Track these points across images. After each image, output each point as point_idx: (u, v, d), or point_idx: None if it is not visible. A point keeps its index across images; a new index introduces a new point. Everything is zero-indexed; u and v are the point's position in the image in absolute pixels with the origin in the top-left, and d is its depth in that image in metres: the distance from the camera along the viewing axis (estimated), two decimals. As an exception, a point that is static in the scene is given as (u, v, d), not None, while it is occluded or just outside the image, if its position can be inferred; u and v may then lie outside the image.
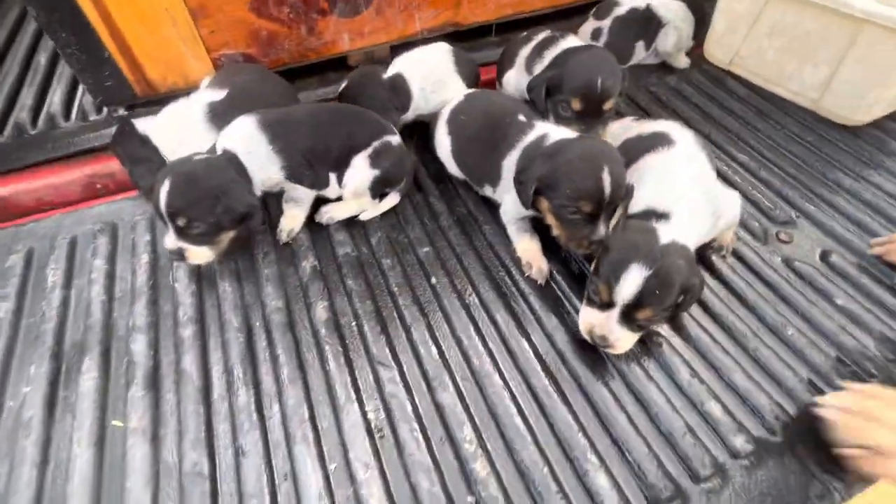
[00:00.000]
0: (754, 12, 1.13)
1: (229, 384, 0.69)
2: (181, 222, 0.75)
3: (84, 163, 1.04)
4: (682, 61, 1.29)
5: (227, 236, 0.81)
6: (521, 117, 0.85)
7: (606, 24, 1.23)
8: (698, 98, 1.21)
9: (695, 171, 0.80)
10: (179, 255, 0.77)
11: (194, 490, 0.59)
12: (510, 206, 0.86)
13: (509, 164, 0.84)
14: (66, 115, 1.11)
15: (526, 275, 0.83)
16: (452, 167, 0.96)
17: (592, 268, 0.73)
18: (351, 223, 0.91)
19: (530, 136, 0.83)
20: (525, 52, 1.06)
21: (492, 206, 0.94)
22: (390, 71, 1.04)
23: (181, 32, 0.98)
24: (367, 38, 1.18)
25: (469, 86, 1.06)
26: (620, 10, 1.22)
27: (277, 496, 0.59)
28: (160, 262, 0.85)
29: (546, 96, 0.91)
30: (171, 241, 0.77)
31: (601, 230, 0.73)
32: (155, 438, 0.64)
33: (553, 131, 0.82)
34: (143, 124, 0.90)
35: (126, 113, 0.96)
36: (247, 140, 0.84)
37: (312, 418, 0.66)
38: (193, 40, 1.01)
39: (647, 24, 1.24)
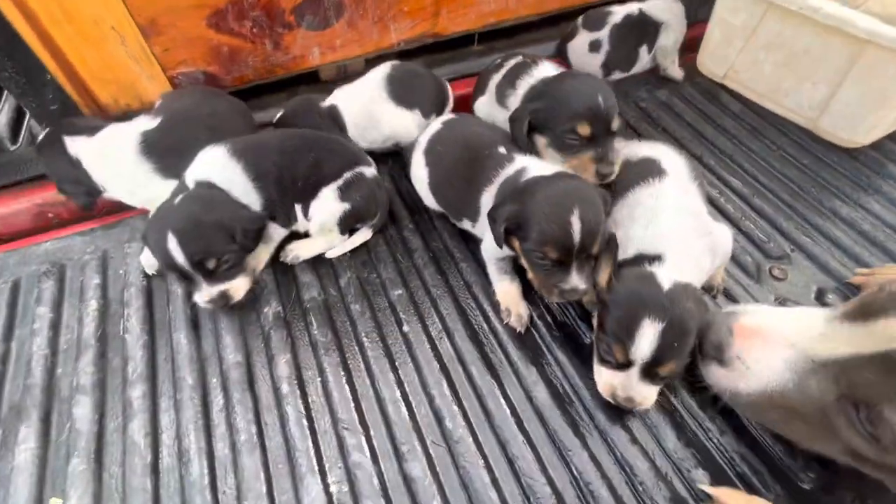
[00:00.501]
0: (751, 24, 1.07)
1: (180, 454, 0.64)
2: (211, 265, 0.71)
3: (34, 190, 0.97)
4: (677, 73, 1.23)
5: (250, 257, 0.79)
6: (501, 149, 0.79)
7: (605, 34, 1.16)
8: (690, 114, 1.15)
9: (686, 206, 0.75)
10: (223, 298, 0.74)
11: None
12: (490, 244, 0.81)
13: (487, 199, 0.78)
14: (14, 139, 1.03)
15: (504, 322, 0.77)
16: (430, 201, 0.90)
17: (596, 325, 0.68)
18: (319, 262, 0.85)
19: (508, 171, 0.77)
20: (496, 79, 0.98)
21: (470, 241, 0.88)
22: (329, 101, 0.98)
23: (131, 51, 0.90)
24: (339, 51, 1.11)
25: (427, 111, 0.99)
26: (616, 19, 1.16)
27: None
28: (110, 308, 0.79)
29: (530, 130, 0.84)
30: (206, 291, 0.73)
31: (573, 279, 0.67)
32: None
33: (533, 165, 0.76)
34: (76, 145, 0.84)
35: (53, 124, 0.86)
36: (220, 170, 0.79)
37: (270, 493, 0.61)
38: (146, 59, 0.93)
39: (644, 28, 1.18)
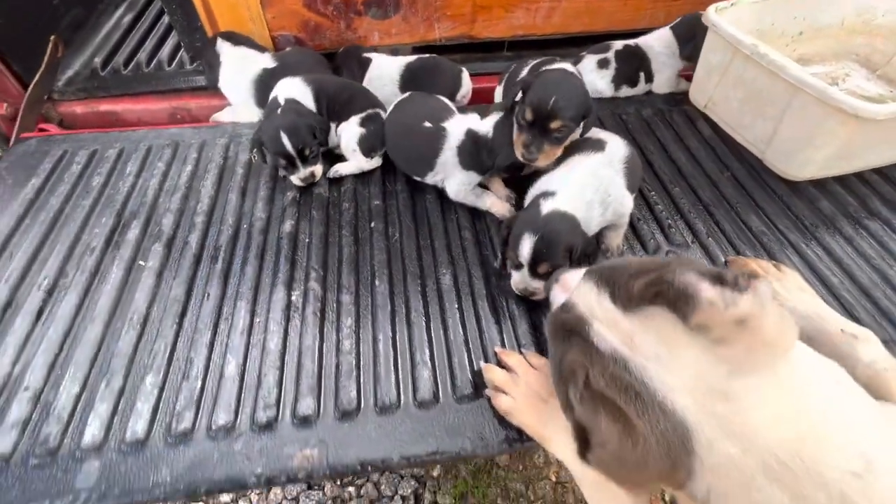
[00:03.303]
0: (724, 64, 1.26)
1: (213, 258, 1.02)
2: (307, 152, 1.10)
3: (172, 98, 1.44)
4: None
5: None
6: (428, 124, 1.10)
7: (611, 55, 1.42)
8: (662, 131, 1.35)
9: (600, 172, 0.97)
10: (312, 176, 1.14)
11: (171, 311, 0.92)
12: (455, 185, 1.11)
13: (443, 160, 1.09)
14: (170, 63, 1.52)
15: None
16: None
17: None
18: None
19: (454, 136, 1.08)
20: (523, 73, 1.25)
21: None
22: (369, 55, 1.37)
23: (252, 15, 1.34)
24: (393, 38, 1.47)
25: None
26: (618, 46, 1.42)
27: (220, 324, 0.90)
28: (198, 172, 1.21)
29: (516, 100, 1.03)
30: (302, 171, 1.12)
31: None
32: (159, 277, 0.98)
33: (472, 123, 1.07)
34: (223, 47, 1.30)
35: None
36: (298, 91, 1.19)
37: (256, 288, 0.96)
38: (260, 22, 1.36)
39: (641, 57, 1.42)
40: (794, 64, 1.06)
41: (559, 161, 1.01)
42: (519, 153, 0.99)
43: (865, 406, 0.44)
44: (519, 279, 0.91)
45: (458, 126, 1.09)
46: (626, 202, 0.98)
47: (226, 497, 1.82)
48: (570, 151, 1.02)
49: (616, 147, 1.02)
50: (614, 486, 0.65)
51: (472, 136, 1.07)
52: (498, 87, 1.38)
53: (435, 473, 1.90)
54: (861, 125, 0.99)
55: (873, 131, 1.03)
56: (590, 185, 0.94)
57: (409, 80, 1.32)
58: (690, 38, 1.35)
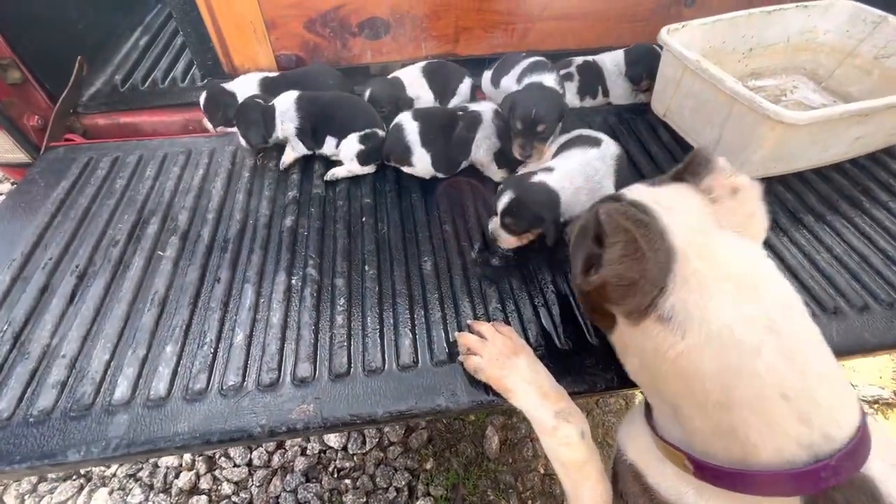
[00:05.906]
0: (677, 78, 1.41)
1: (223, 248, 1.16)
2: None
3: (185, 111, 1.59)
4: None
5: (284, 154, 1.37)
6: (460, 112, 1.31)
7: (573, 69, 1.58)
8: (625, 136, 1.50)
9: (592, 161, 1.11)
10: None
11: (187, 293, 1.06)
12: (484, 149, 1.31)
13: (480, 138, 1.29)
14: (183, 79, 1.68)
15: None
16: (427, 171, 1.32)
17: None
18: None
19: (486, 115, 1.28)
20: (519, 69, 1.41)
21: (423, 185, 1.33)
22: (395, 74, 1.52)
23: (258, 37, 1.50)
24: (384, 56, 1.64)
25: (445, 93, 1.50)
26: (578, 61, 1.57)
27: (229, 303, 1.04)
28: (208, 175, 1.36)
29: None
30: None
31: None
32: (176, 265, 1.12)
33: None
34: (230, 85, 1.45)
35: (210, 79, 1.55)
36: (283, 102, 1.34)
37: (261, 273, 1.10)
38: (265, 42, 1.52)
39: (598, 72, 1.57)
40: (730, 77, 1.21)
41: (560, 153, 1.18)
42: (517, 153, 1.22)
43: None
44: (493, 224, 1.09)
45: (485, 107, 1.29)
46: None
47: (228, 489, 1.93)
48: (570, 146, 1.18)
49: (609, 145, 1.18)
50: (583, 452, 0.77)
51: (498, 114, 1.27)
52: (486, 73, 1.56)
53: (428, 466, 2.00)
54: (787, 130, 1.14)
55: (799, 135, 1.18)
56: (582, 172, 1.08)
57: (430, 76, 1.50)
58: (636, 63, 1.52)
